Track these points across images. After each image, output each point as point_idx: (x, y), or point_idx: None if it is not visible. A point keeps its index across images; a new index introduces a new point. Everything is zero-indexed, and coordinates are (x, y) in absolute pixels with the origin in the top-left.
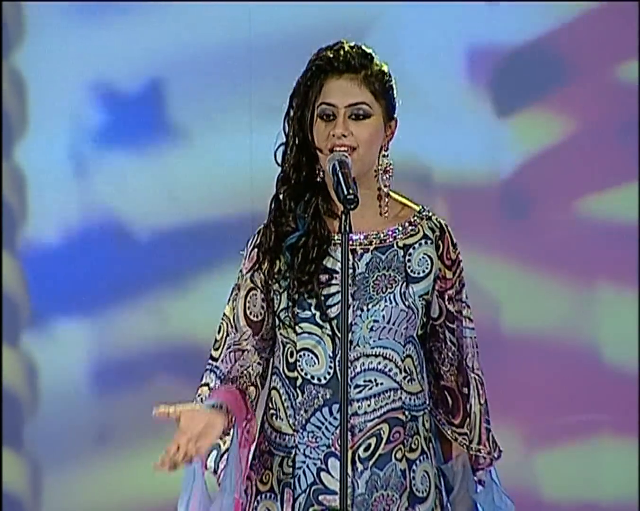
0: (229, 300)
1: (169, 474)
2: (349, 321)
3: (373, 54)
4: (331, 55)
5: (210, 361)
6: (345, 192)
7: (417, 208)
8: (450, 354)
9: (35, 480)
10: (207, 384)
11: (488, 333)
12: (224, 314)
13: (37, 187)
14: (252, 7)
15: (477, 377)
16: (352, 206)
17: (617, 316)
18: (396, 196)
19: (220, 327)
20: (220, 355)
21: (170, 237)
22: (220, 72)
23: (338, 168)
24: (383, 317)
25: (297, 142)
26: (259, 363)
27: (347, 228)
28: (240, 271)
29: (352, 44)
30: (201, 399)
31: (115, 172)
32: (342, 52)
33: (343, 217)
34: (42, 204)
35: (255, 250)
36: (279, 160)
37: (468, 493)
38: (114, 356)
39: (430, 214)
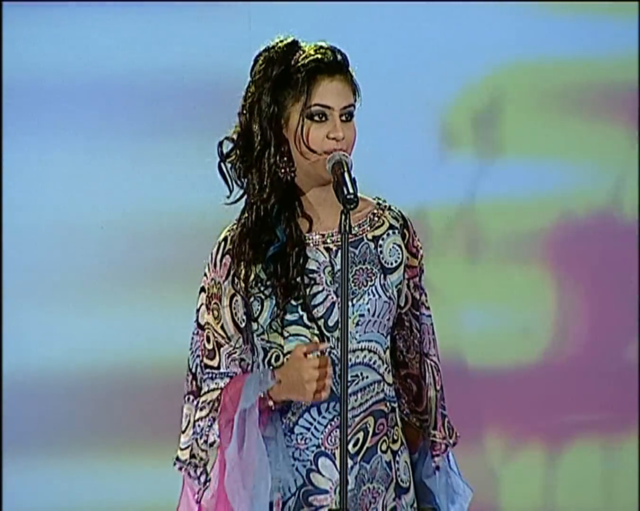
0: (209, 309)
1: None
2: (336, 319)
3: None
4: (320, 56)
5: (209, 370)
6: (346, 192)
7: (374, 201)
8: (415, 341)
9: None
10: (217, 389)
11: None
12: (208, 323)
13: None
14: (252, 7)
15: (433, 363)
16: (352, 206)
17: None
18: None
19: (208, 337)
20: (220, 363)
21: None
22: (219, 73)
23: (339, 169)
24: (368, 310)
25: (271, 143)
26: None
27: (347, 228)
28: (213, 280)
29: (329, 44)
30: (210, 404)
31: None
32: (330, 53)
33: (343, 216)
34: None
35: (227, 256)
36: (225, 151)
37: (422, 478)
38: (82, 353)
39: (388, 204)
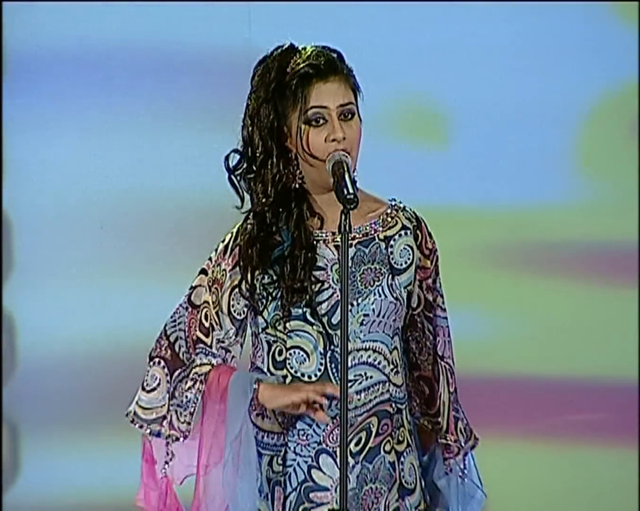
0: (208, 291)
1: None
2: (340, 317)
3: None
4: (312, 61)
5: (202, 345)
6: (345, 192)
7: (389, 201)
8: (428, 343)
9: (14, 445)
10: (208, 364)
11: None
12: (206, 302)
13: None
14: (252, 7)
15: (447, 366)
16: (352, 206)
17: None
18: (365, 190)
19: (206, 315)
20: (212, 343)
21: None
22: (219, 72)
23: (338, 169)
24: (373, 310)
25: (273, 153)
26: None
27: (347, 228)
28: (219, 265)
29: (321, 46)
30: (201, 376)
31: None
32: (321, 55)
33: (343, 217)
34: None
35: (237, 249)
36: (231, 164)
37: (434, 481)
38: (100, 322)
39: (403, 205)
